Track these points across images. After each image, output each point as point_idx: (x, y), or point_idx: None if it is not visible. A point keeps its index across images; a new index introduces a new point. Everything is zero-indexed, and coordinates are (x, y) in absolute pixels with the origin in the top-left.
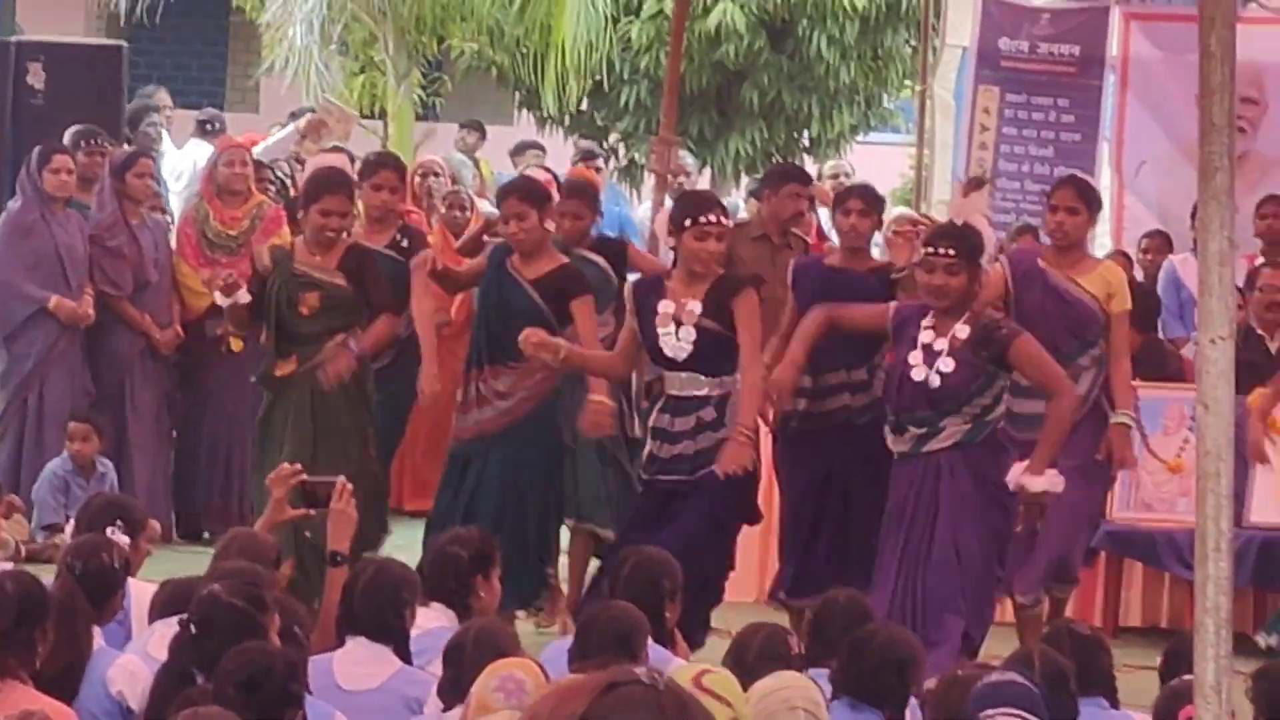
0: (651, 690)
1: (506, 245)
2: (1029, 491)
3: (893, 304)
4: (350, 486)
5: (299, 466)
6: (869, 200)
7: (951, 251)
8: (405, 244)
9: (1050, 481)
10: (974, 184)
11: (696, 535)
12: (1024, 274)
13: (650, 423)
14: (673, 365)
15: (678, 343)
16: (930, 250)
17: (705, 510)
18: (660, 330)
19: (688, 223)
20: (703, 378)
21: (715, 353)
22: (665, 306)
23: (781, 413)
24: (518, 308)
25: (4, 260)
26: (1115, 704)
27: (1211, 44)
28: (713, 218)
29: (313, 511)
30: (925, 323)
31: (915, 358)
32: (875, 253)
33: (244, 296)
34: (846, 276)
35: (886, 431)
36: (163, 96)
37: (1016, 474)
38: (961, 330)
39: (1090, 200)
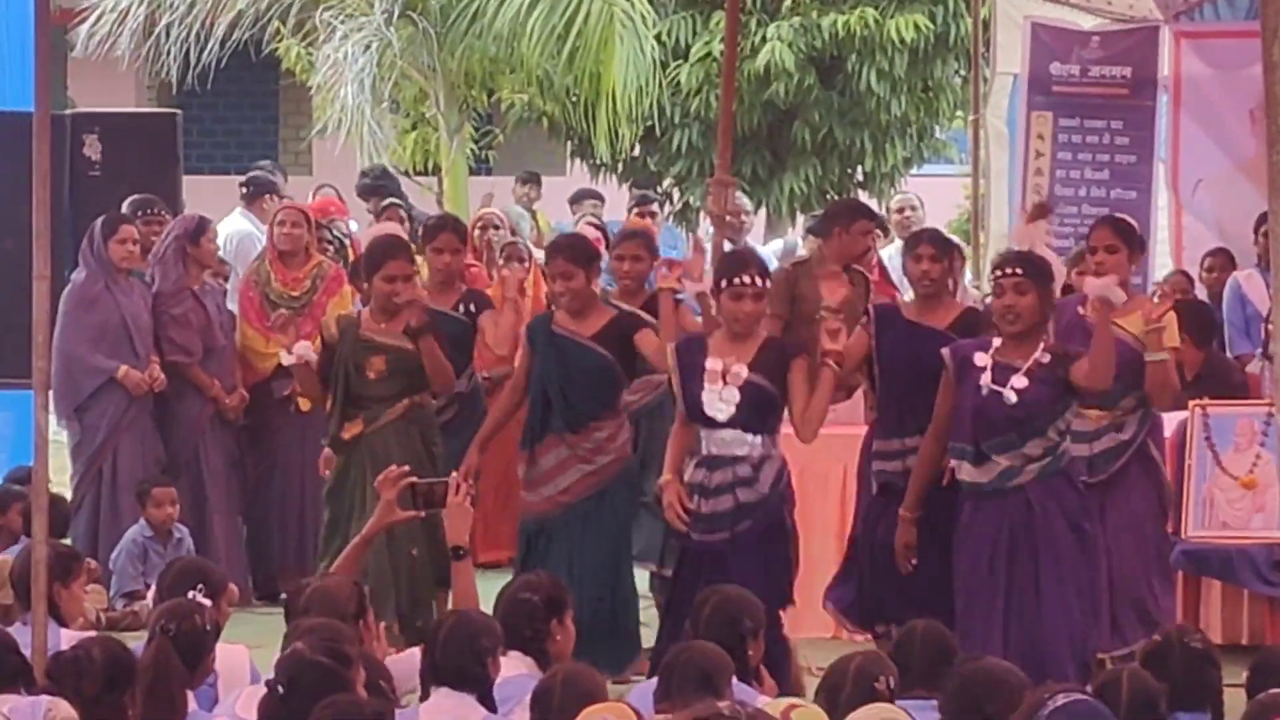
0: None
1: (542, 317)
2: (1100, 294)
3: (946, 351)
4: (464, 483)
5: (407, 467)
6: (939, 245)
7: (1019, 270)
8: (472, 308)
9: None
10: (1039, 211)
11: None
12: (1067, 323)
13: (685, 479)
14: (712, 424)
15: (720, 402)
16: (998, 273)
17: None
18: (707, 386)
19: (724, 283)
20: (746, 435)
21: (760, 409)
22: (713, 364)
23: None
24: (584, 365)
25: (70, 333)
26: None
27: (1275, 55)
28: (747, 278)
29: (423, 513)
30: (992, 347)
31: (986, 379)
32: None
33: (309, 354)
34: (931, 333)
35: (964, 466)
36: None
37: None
38: (1044, 356)
39: (1129, 238)
